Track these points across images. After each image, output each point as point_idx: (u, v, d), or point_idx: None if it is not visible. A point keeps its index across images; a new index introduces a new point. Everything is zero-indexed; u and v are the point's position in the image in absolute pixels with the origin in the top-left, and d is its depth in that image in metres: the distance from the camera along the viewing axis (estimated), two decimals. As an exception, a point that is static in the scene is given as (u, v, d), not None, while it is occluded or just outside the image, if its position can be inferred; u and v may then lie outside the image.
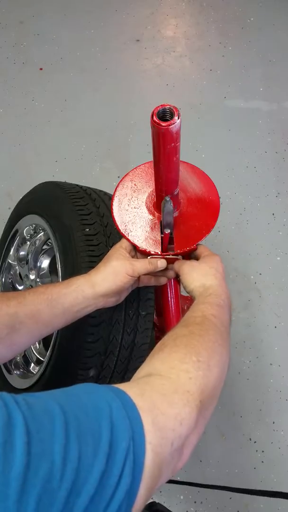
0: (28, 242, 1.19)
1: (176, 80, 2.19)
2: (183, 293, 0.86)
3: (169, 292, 0.94)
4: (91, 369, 0.87)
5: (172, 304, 0.95)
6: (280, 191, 1.84)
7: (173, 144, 0.66)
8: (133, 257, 0.80)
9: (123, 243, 0.80)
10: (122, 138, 2.02)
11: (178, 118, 0.63)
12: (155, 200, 0.82)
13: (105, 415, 0.41)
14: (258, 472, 1.37)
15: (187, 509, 1.33)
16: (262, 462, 1.38)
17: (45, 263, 1.16)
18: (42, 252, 1.16)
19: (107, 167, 1.95)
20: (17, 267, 1.22)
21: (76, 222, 0.92)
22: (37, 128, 2.09)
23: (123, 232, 0.81)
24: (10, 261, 1.23)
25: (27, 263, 1.17)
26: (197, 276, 0.74)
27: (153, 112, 0.64)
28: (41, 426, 0.37)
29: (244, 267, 1.69)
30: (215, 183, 0.85)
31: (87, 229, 0.91)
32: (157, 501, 0.85)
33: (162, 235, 0.78)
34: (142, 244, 0.80)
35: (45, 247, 1.16)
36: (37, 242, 1.16)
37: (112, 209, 0.84)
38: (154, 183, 0.79)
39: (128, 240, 0.80)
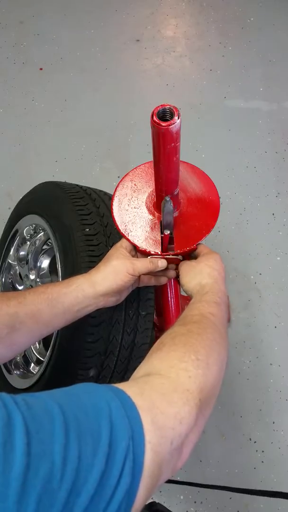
0: (28, 242, 1.19)
1: (176, 80, 2.19)
2: (183, 293, 0.86)
3: (169, 292, 0.94)
4: (91, 369, 0.87)
5: (172, 304, 0.95)
6: (280, 191, 1.84)
7: (173, 144, 0.66)
8: (133, 256, 0.80)
9: (123, 242, 0.80)
10: (122, 138, 2.02)
11: (178, 118, 0.63)
12: (155, 200, 0.82)
13: (104, 414, 0.41)
14: (258, 472, 1.37)
15: (187, 509, 1.33)
16: (262, 462, 1.38)
17: (45, 263, 1.16)
18: (42, 252, 1.16)
19: (107, 167, 1.95)
20: (17, 267, 1.22)
21: (76, 222, 0.92)
22: (37, 128, 2.09)
23: (123, 232, 0.81)
24: (10, 261, 1.23)
25: (27, 263, 1.17)
26: (194, 275, 0.74)
27: (153, 112, 0.64)
28: (41, 426, 0.37)
29: (244, 267, 1.69)
30: (215, 183, 0.85)
31: (87, 229, 0.91)
32: (157, 501, 0.85)
33: (162, 235, 0.78)
34: (142, 244, 0.80)
35: (45, 247, 1.16)
36: (37, 242, 1.16)
37: (112, 209, 0.84)
38: (154, 183, 0.79)
39: (128, 240, 0.80)
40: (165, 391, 0.47)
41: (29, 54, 2.33)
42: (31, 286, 1.16)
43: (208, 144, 1.97)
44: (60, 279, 0.90)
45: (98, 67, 2.25)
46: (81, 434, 0.38)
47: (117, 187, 0.86)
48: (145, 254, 0.81)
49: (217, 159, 1.92)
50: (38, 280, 1.16)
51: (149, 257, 0.80)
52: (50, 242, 1.13)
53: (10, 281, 1.23)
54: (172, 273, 0.84)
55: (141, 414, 0.43)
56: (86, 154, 1.99)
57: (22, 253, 1.19)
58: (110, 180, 1.87)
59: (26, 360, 1.12)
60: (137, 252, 0.82)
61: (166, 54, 2.28)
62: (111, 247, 0.82)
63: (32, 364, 1.11)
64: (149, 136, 0.67)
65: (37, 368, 1.07)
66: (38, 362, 1.09)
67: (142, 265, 0.76)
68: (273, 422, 1.43)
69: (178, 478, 1.35)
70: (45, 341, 1.10)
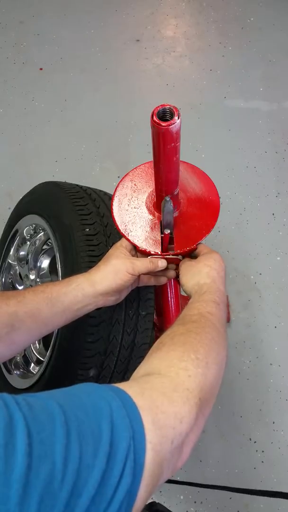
0: (28, 242, 1.19)
1: (176, 80, 2.19)
2: (183, 293, 0.86)
3: (169, 292, 0.94)
4: (91, 369, 0.87)
5: (172, 304, 0.95)
6: (280, 191, 1.84)
7: (173, 144, 0.66)
8: (133, 256, 0.80)
9: (123, 242, 0.80)
10: (122, 138, 2.02)
11: (178, 118, 0.63)
12: (155, 200, 0.82)
13: (105, 414, 0.41)
14: (258, 472, 1.37)
15: (187, 509, 1.33)
16: (262, 462, 1.38)
17: (45, 263, 1.16)
18: (42, 252, 1.16)
19: (107, 167, 1.95)
20: (17, 267, 1.22)
21: (76, 222, 0.93)
22: (37, 128, 2.09)
23: (123, 232, 0.81)
24: (10, 261, 1.23)
25: (27, 263, 1.17)
26: (193, 275, 0.74)
27: (153, 112, 0.64)
28: (42, 427, 0.37)
29: (244, 267, 1.69)
30: (215, 183, 0.85)
31: (87, 229, 0.91)
32: (157, 501, 0.85)
33: (162, 235, 0.78)
34: (142, 244, 0.80)
35: (45, 247, 1.16)
36: (37, 242, 1.16)
37: (112, 209, 0.84)
38: (154, 183, 0.79)
39: (128, 240, 0.80)
40: (165, 391, 0.47)
41: (29, 54, 2.33)
42: (31, 286, 1.16)
43: (208, 144, 1.97)
44: (60, 279, 0.90)
45: (98, 67, 2.25)
46: (82, 434, 0.38)
47: (117, 187, 0.86)
48: (145, 254, 0.81)
49: (217, 159, 1.92)
50: (38, 280, 1.16)
51: (149, 257, 0.80)
52: (50, 242, 1.13)
53: (10, 281, 1.23)
54: (172, 273, 0.84)
55: (141, 413, 0.43)
56: (86, 154, 1.99)
57: (22, 253, 1.19)
58: (110, 180, 1.87)
59: (26, 360, 1.12)
60: (137, 252, 0.82)
61: (166, 54, 2.28)
62: (111, 247, 0.82)
63: (32, 364, 1.11)
64: (149, 136, 0.67)
65: (37, 368, 1.07)
66: (38, 362, 1.09)
67: (142, 264, 0.76)
68: (273, 422, 1.43)
69: (178, 478, 1.35)
70: (45, 341, 1.10)
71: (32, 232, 1.18)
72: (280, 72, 2.17)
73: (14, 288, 1.22)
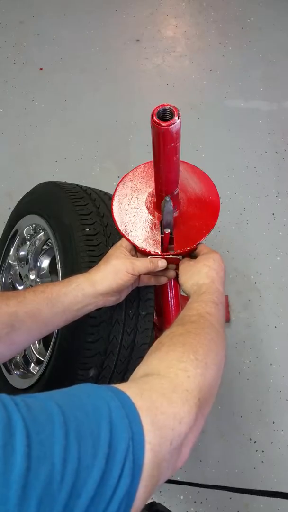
0: (28, 242, 1.19)
1: (176, 80, 2.19)
2: (183, 293, 0.86)
3: (169, 292, 0.94)
4: (91, 369, 0.87)
5: (172, 304, 0.95)
6: (280, 191, 1.84)
7: (173, 144, 0.66)
8: (133, 256, 0.80)
9: (123, 242, 0.80)
10: (122, 138, 2.02)
11: (178, 118, 0.63)
12: (155, 200, 0.82)
13: (104, 415, 0.41)
14: (258, 472, 1.37)
15: (187, 509, 1.33)
16: (262, 462, 1.38)
17: (45, 263, 1.16)
18: (42, 252, 1.16)
19: (107, 167, 1.95)
20: (17, 267, 1.22)
21: (76, 222, 0.93)
22: (37, 128, 2.09)
23: (123, 232, 0.81)
24: (10, 261, 1.23)
25: (27, 263, 1.17)
26: (192, 275, 0.74)
27: (153, 112, 0.64)
28: (41, 428, 0.36)
29: (244, 267, 1.69)
30: (215, 183, 0.85)
31: (87, 229, 0.91)
32: (157, 501, 0.85)
33: (162, 235, 0.78)
34: (142, 244, 0.80)
35: (45, 247, 1.16)
36: (37, 242, 1.16)
37: (112, 209, 0.84)
38: (154, 183, 0.79)
39: (128, 240, 0.80)
40: (165, 391, 0.47)
41: (29, 54, 2.33)
42: (31, 286, 1.16)
43: (208, 144, 1.97)
44: (60, 279, 0.90)
45: (98, 67, 2.25)
46: (81, 435, 0.38)
47: (117, 187, 0.86)
48: (145, 254, 0.81)
49: (217, 159, 1.92)
50: (38, 280, 1.16)
51: (149, 257, 0.80)
52: (50, 242, 1.13)
53: (10, 281, 1.23)
54: (172, 273, 0.84)
55: (140, 414, 0.43)
56: (86, 154, 1.99)
57: (22, 253, 1.19)
58: (110, 180, 1.87)
59: (26, 360, 1.12)
60: (137, 252, 0.82)
61: (166, 54, 2.28)
62: (111, 247, 0.82)
63: (32, 364, 1.11)
64: (149, 136, 0.67)
65: (37, 368, 1.07)
66: (38, 362, 1.09)
67: (142, 264, 0.76)
68: (273, 422, 1.43)
69: (178, 478, 1.35)
70: (45, 341, 1.10)
71: (32, 232, 1.18)
72: (280, 72, 2.17)
73: (14, 288, 1.22)
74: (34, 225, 1.16)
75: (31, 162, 1.99)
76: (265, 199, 1.82)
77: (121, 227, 0.82)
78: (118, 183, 0.87)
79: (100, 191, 1.06)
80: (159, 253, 0.80)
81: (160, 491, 1.35)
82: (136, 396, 0.45)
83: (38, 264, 1.16)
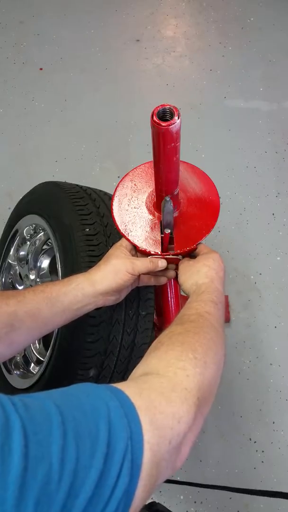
0: (28, 242, 1.19)
1: (176, 80, 2.19)
2: (183, 293, 0.86)
3: (169, 292, 0.94)
4: (91, 369, 0.87)
5: (172, 304, 0.95)
6: (280, 191, 1.84)
7: (173, 144, 0.66)
8: (133, 256, 0.80)
9: (123, 242, 0.80)
10: (122, 138, 2.02)
11: (178, 118, 0.63)
12: (155, 200, 0.82)
13: (103, 415, 0.41)
14: (258, 472, 1.37)
15: (187, 509, 1.33)
16: (262, 462, 1.38)
17: (45, 263, 1.16)
18: (42, 252, 1.16)
19: (107, 167, 1.95)
20: (17, 267, 1.22)
21: (76, 222, 0.93)
22: (37, 128, 2.09)
23: (123, 232, 0.81)
24: (10, 261, 1.23)
25: (27, 263, 1.17)
26: (191, 274, 0.74)
27: (153, 112, 0.64)
28: (39, 427, 0.36)
29: (244, 267, 1.69)
30: (215, 183, 0.85)
31: (87, 229, 0.91)
32: (157, 501, 0.85)
33: (162, 235, 0.78)
34: (142, 244, 0.80)
35: (45, 247, 1.16)
36: (37, 242, 1.16)
37: (112, 209, 0.84)
38: (154, 183, 0.79)
39: (128, 240, 0.80)
40: (164, 390, 0.47)
41: (29, 54, 2.33)
42: (31, 286, 1.15)
43: (208, 144, 1.97)
44: (60, 279, 0.90)
45: (98, 67, 2.25)
46: (79, 435, 0.38)
47: (117, 187, 0.86)
48: (145, 254, 0.81)
49: (217, 159, 1.92)
50: (38, 280, 1.16)
51: (149, 257, 0.80)
52: (50, 242, 1.13)
53: (10, 281, 1.23)
54: (172, 273, 0.84)
55: (139, 414, 0.43)
56: (86, 154, 1.99)
57: (22, 253, 1.19)
58: (110, 180, 1.87)
59: (26, 360, 1.12)
60: (137, 252, 0.82)
61: (166, 54, 2.28)
62: (111, 247, 0.82)
63: (32, 364, 1.11)
64: (149, 136, 0.67)
65: (37, 368, 1.07)
66: (38, 362, 1.09)
67: (142, 264, 0.76)
68: (273, 422, 1.43)
69: (178, 478, 1.35)
70: (45, 341, 1.10)
71: (32, 232, 1.18)
72: (280, 72, 2.17)
73: (14, 288, 1.22)
74: (34, 225, 1.16)
75: (31, 162, 1.99)
76: (265, 199, 1.82)
77: (121, 227, 0.82)
78: (118, 183, 0.87)
79: (100, 191, 1.06)
80: (159, 253, 0.80)
81: (160, 491, 1.35)
82: (135, 395, 0.45)
83: (38, 264, 1.16)
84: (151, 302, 0.92)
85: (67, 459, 0.36)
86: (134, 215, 0.83)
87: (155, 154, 0.70)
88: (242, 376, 1.50)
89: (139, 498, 0.40)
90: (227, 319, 1.58)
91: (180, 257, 0.81)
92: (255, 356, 1.53)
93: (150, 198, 0.84)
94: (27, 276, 1.17)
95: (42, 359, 1.08)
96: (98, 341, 0.86)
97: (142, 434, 0.42)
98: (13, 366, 1.11)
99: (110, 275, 0.73)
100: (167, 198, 0.74)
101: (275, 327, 1.58)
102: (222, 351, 0.59)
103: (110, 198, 1.00)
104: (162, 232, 0.78)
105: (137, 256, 0.81)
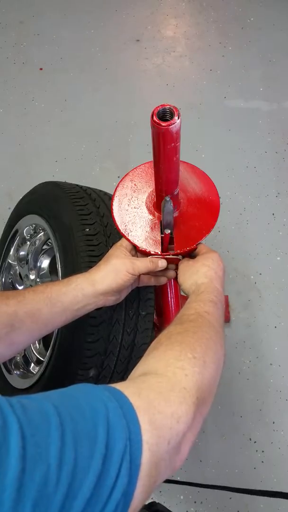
0: (28, 242, 1.19)
1: (176, 80, 2.19)
2: (183, 293, 0.86)
3: (169, 292, 0.94)
4: (91, 369, 0.87)
5: (172, 304, 0.95)
6: (280, 191, 1.84)
7: (173, 144, 0.66)
8: (133, 256, 0.80)
9: (123, 242, 0.80)
10: (122, 138, 2.02)
11: (178, 118, 0.63)
12: (155, 200, 0.82)
13: (101, 415, 0.40)
14: (258, 472, 1.37)
15: (187, 509, 1.33)
16: (262, 462, 1.38)
17: (45, 263, 1.16)
18: (42, 252, 1.16)
19: (107, 167, 1.95)
20: (17, 267, 1.22)
21: (76, 222, 0.93)
22: (37, 128, 2.09)
23: (123, 232, 0.81)
24: (10, 261, 1.23)
25: (27, 263, 1.17)
26: (190, 274, 0.74)
27: (153, 112, 0.64)
28: (37, 429, 0.36)
29: (244, 267, 1.69)
30: (215, 183, 0.85)
31: (87, 229, 0.91)
32: (157, 501, 0.85)
33: (162, 235, 0.78)
34: (142, 244, 0.80)
35: (45, 247, 1.16)
36: (37, 242, 1.16)
37: (112, 209, 0.84)
38: (154, 183, 0.79)
39: (128, 240, 0.80)
40: (162, 390, 0.47)
41: (29, 54, 2.33)
42: (31, 286, 1.15)
43: (208, 144, 1.97)
44: (60, 279, 0.90)
45: (98, 67, 2.25)
46: (77, 436, 0.38)
47: (117, 187, 0.86)
48: (145, 254, 0.81)
49: (217, 159, 1.92)
50: (38, 280, 1.16)
51: (149, 257, 0.80)
52: (50, 242, 1.13)
53: (10, 281, 1.23)
54: (172, 273, 0.84)
55: (138, 414, 0.43)
56: (86, 154, 1.99)
57: (22, 253, 1.19)
58: (110, 180, 1.87)
59: (26, 360, 1.12)
60: (137, 252, 0.82)
61: (166, 54, 2.28)
62: (111, 247, 0.82)
63: (32, 364, 1.11)
64: (149, 136, 0.67)
65: (37, 368, 1.07)
66: (38, 362, 1.09)
67: (142, 264, 0.76)
68: (273, 422, 1.43)
69: (178, 478, 1.35)
70: (45, 341, 1.10)
71: (32, 232, 1.18)
72: (280, 72, 2.17)
73: (14, 288, 1.22)
74: (34, 225, 1.16)
75: (31, 162, 1.99)
76: (265, 199, 1.82)
77: (121, 227, 0.82)
78: (118, 183, 0.87)
79: (100, 191, 1.06)
80: (159, 253, 0.80)
81: (160, 491, 1.35)
82: (133, 395, 0.45)
83: (38, 264, 1.16)
84: (151, 302, 0.92)
85: (65, 460, 0.36)
86: (134, 215, 0.83)
87: (155, 154, 0.70)
88: (242, 376, 1.50)
89: (138, 498, 0.40)
90: (227, 319, 1.58)
91: (180, 257, 0.81)
92: (255, 356, 1.53)
93: (150, 198, 0.84)
94: (27, 276, 1.17)
95: (42, 359, 1.08)
96: (98, 341, 0.86)
97: (141, 434, 0.42)
98: (13, 366, 1.11)
99: (110, 275, 0.73)
100: (167, 198, 0.74)
101: (275, 327, 1.58)
102: (222, 351, 0.59)
103: (110, 198, 1.00)
104: (162, 232, 0.78)
105: (137, 256, 0.81)
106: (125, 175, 0.88)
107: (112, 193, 0.88)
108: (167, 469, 0.45)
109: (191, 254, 0.82)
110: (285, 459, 1.38)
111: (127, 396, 0.44)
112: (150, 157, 0.74)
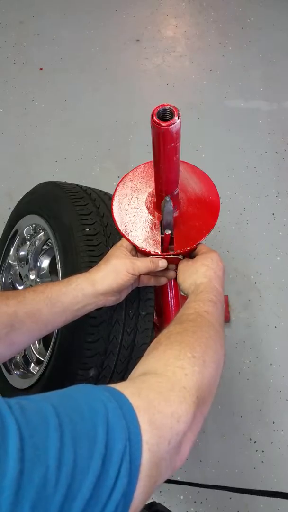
0: (28, 242, 1.19)
1: (176, 80, 2.19)
2: (182, 292, 0.86)
3: (169, 292, 0.94)
4: (91, 369, 0.87)
5: (172, 304, 0.95)
6: (280, 191, 1.84)
7: (173, 144, 0.66)
8: (133, 256, 0.80)
9: (123, 242, 0.80)
10: (122, 138, 2.02)
11: (178, 118, 0.63)
12: (155, 200, 0.82)
13: (100, 416, 0.40)
14: (258, 472, 1.37)
15: (187, 509, 1.33)
16: (262, 462, 1.38)
17: (45, 263, 1.16)
18: (42, 252, 1.16)
19: (107, 167, 1.95)
20: (17, 267, 1.22)
21: (76, 222, 0.93)
22: (37, 128, 2.09)
23: (123, 232, 0.81)
24: (10, 261, 1.23)
25: (27, 263, 1.17)
26: (190, 274, 0.74)
27: (153, 112, 0.64)
28: (35, 430, 0.36)
29: (244, 267, 1.69)
30: (215, 183, 0.85)
31: (87, 229, 0.91)
32: (157, 501, 0.85)
33: (162, 235, 0.78)
34: (142, 244, 0.80)
35: (45, 247, 1.16)
36: (37, 242, 1.16)
37: (112, 209, 0.84)
38: (154, 183, 0.79)
39: (128, 240, 0.80)
40: (162, 390, 0.47)
41: (29, 54, 2.33)
42: (31, 286, 1.15)
43: (208, 144, 1.97)
44: (60, 279, 0.90)
45: (98, 67, 2.25)
46: (76, 437, 0.38)
47: (117, 187, 0.86)
48: (145, 254, 0.81)
49: (217, 159, 1.92)
50: (38, 280, 1.16)
51: (149, 257, 0.80)
52: (50, 242, 1.13)
53: (10, 281, 1.23)
54: (172, 274, 0.84)
55: (138, 414, 0.43)
56: (86, 154, 1.99)
57: (22, 253, 1.19)
58: (110, 180, 1.87)
59: (26, 360, 1.12)
60: (137, 252, 0.82)
61: (166, 54, 2.28)
62: (111, 247, 0.82)
63: (32, 364, 1.11)
64: (149, 136, 0.67)
65: (37, 368, 1.07)
66: (38, 362, 1.09)
67: (143, 264, 0.76)
68: (273, 422, 1.43)
69: (178, 478, 1.35)
70: (45, 341, 1.10)
71: (32, 232, 1.18)
72: (280, 72, 2.17)
73: (14, 288, 1.22)
74: (34, 225, 1.16)
75: (31, 162, 1.99)
76: (265, 199, 1.82)
77: (121, 227, 0.82)
78: (118, 183, 0.87)
79: (100, 191, 1.06)
80: (159, 253, 0.80)
81: (160, 491, 1.35)
82: (133, 395, 0.44)
83: (38, 264, 1.16)
84: (151, 302, 0.92)
85: (64, 461, 0.36)
86: (134, 215, 0.83)
87: (155, 154, 0.70)
88: (242, 376, 1.50)
89: (138, 499, 0.40)
90: (227, 319, 1.58)
91: (180, 257, 0.81)
92: (255, 356, 1.53)
93: (150, 198, 0.84)
94: (27, 276, 1.17)
95: (42, 359, 1.08)
96: (98, 341, 0.86)
97: (141, 434, 0.41)
98: (13, 366, 1.11)
99: (110, 275, 0.73)
100: (167, 198, 0.74)
101: (275, 327, 1.58)
102: (222, 350, 0.59)
103: (110, 198, 1.00)
104: (162, 232, 0.78)
105: (137, 256, 0.81)
106: (125, 175, 0.88)
107: (112, 193, 0.88)
108: (168, 469, 0.45)
109: (191, 254, 0.82)
110: (285, 459, 1.38)
111: (127, 396, 0.44)
112: (150, 157, 0.74)
